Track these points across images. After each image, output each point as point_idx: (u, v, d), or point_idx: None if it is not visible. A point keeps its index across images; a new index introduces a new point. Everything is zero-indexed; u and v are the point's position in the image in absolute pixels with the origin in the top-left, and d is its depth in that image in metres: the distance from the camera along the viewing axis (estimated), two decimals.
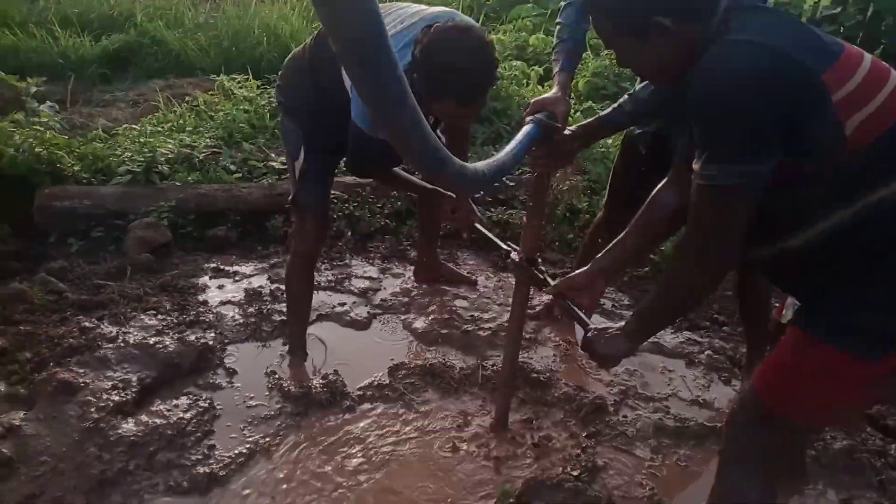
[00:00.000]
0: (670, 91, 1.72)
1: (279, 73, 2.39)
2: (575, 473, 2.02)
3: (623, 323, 1.54)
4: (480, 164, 1.39)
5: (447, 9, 2.19)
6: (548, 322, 2.82)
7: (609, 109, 2.15)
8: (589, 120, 2.13)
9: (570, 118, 2.13)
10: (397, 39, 1.98)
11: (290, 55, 2.35)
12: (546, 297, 2.82)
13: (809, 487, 2.05)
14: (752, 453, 1.40)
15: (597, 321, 1.84)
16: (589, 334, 1.56)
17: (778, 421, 1.35)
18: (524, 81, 5.00)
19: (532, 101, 1.89)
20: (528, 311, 2.67)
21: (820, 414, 1.36)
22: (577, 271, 1.72)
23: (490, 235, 2.38)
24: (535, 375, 2.42)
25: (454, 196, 2.51)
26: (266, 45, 5.97)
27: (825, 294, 1.27)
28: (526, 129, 1.74)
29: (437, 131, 2.27)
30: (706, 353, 2.67)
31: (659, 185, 1.58)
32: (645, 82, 2.04)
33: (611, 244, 1.68)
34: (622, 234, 1.66)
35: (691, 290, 1.36)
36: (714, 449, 2.20)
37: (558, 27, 2.20)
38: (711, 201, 1.21)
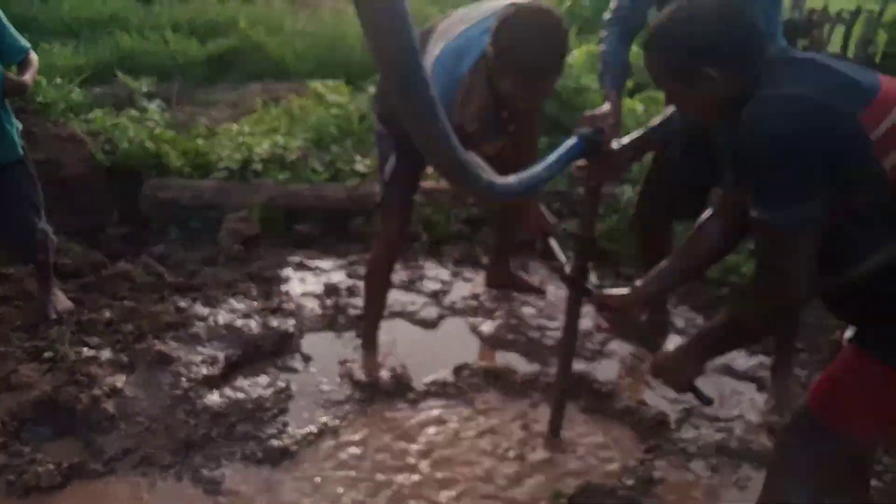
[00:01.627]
0: None
1: (377, 83, 2.53)
2: (630, 483, 2.05)
3: (684, 345, 1.57)
4: (512, 178, 1.48)
5: None
6: (614, 336, 2.85)
7: (658, 121, 2.08)
8: (638, 132, 2.09)
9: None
10: (478, 27, 2.07)
11: None
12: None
13: None
14: (799, 466, 1.42)
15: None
16: (658, 356, 1.61)
17: (826, 434, 1.37)
18: None
19: (583, 115, 1.91)
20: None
21: (867, 430, 1.36)
22: (620, 293, 1.78)
23: (556, 248, 2.36)
24: (597, 387, 2.45)
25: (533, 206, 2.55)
26: (359, 53, 6.21)
27: (880, 319, 1.30)
28: (569, 142, 1.77)
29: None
30: None
31: (704, 215, 1.65)
32: None
33: (655, 270, 1.73)
34: (667, 261, 1.72)
35: (763, 322, 1.40)
36: None
37: (602, 53, 2.30)
38: (770, 243, 1.30)
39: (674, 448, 2.23)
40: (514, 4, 1.90)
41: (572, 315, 2.07)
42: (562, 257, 2.21)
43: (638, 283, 1.76)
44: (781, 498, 1.46)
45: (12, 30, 2.40)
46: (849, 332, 1.54)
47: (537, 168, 1.62)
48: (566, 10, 7.47)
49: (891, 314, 1.28)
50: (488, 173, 1.32)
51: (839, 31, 6.54)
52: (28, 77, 2.41)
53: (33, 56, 2.48)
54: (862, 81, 1.24)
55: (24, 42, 2.45)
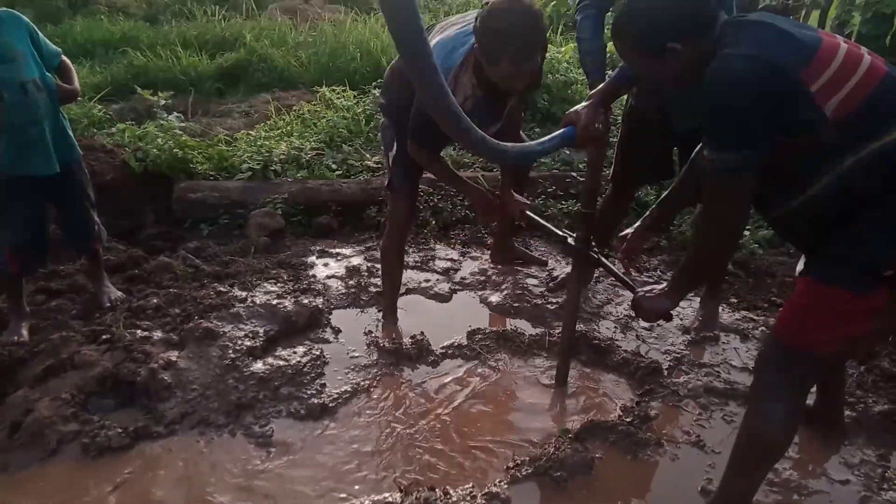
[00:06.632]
0: None
1: (382, 80, 2.80)
2: (628, 420, 2.32)
3: (664, 285, 1.85)
4: (507, 144, 1.74)
5: None
6: (606, 298, 3.14)
7: (617, 70, 2.19)
8: (603, 85, 2.16)
9: None
10: (464, 31, 2.33)
11: (389, 65, 2.76)
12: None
13: (846, 443, 2.26)
14: (775, 387, 1.67)
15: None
16: (637, 295, 1.88)
17: (794, 355, 1.62)
18: None
19: (566, 114, 2.08)
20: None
21: (827, 344, 1.59)
22: (630, 231, 2.13)
23: (543, 222, 2.63)
24: (596, 342, 2.73)
25: (503, 193, 2.79)
26: (359, 61, 6.50)
27: (822, 244, 1.55)
28: (563, 130, 2.01)
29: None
30: (760, 329, 2.89)
31: (698, 147, 1.90)
32: None
33: (659, 199, 2.06)
34: (669, 189, 2.02)
35: (712, 252, 1.66)
36: None
37: (579, 42, 2.53)
38: (716, 180, 1.52)
39: (666, 391, 2.49)
40: (489, 2, 2.13)
41: (576, 281, 2.33)
42: (556, 231, 2.46)
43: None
44: (762, 418, 1.69)
45: (43, 37, 2.62)
46: (800, 266, 1.82)
47: (531, 143, 1.89)
48: (551, 10, 7.77)
49: (829, 237, 1.51)
50: (482, 134, 1.58)
51: (815, 14, 6.83)
52: (77, 84, 2.71)
53: (67, 60, 2.72)
54: (804, 40, 1.44)
55: (56, 47, 2.69)
